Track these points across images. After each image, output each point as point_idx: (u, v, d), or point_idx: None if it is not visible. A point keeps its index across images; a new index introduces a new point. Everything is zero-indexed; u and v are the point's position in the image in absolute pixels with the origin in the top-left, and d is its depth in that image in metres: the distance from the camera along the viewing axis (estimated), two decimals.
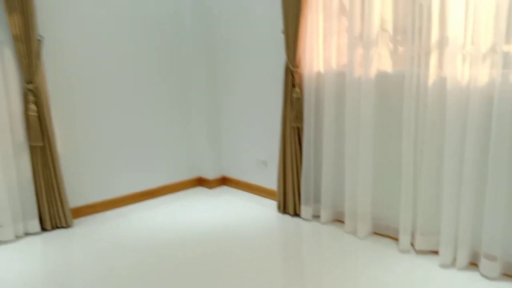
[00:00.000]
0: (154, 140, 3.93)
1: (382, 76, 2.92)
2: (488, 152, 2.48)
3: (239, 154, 4.06)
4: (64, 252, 3.03)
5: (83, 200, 3.59)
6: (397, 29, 2.87)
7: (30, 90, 3.10)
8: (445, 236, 2.67)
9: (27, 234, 3.27)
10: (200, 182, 4.26)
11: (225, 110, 4.11)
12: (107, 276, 2.71)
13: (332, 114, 3.17)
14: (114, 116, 3.68)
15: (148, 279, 2.66)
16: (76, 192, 3.53)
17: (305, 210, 3.38)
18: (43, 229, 3.32)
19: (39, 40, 3.10)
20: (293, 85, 3.27)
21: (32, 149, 3.19)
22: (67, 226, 3.37)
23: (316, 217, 3.40)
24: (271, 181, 3.77)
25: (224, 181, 4.24)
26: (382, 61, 2.93)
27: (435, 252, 2.80)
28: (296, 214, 3.46)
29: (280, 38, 3.37)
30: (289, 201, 3.45)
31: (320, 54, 3.18)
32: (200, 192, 4.11)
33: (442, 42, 2.58)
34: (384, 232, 3.09)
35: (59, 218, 3.33)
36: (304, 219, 3.40)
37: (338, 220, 3.33)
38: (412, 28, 2.67)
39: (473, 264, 2.66)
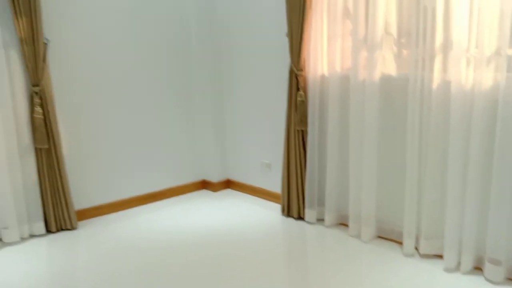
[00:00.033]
0: (159, 143, 3.95)
1: (386, 79, 2.92)
2: (493, 155, 2.47)
3: (244, 157, 4.07)
4: (69, 254, 3.04)
5: (88, 202, 3.60)
6: (402, 32, 2.87)
7: (36, 92, 3.12)
8: (450, 240, 2.66)
9: (32, 236, 3.29)
10: (204, 185, 4.26)
11: (229, 113, 4.12)
12: (112, 278, 2.72)
13: (336, 117, 3.17)
14: (119, 119, 3.69)
15: (152, 282, 2.66)
16: (81, 194, 3.54)
17: (309, 213, 3.38)
18: (48, 231, 3.34)
19: (45, 43, 3.13)
20: (298, 88, 3.27)
21: (38, 151, 3.21)
22: (72, 228, 3.39)
23: (320, 220, 3.39)
24: (275, 184, 3.77)
25: (228, 184, 4.25)
26: (387, 64, 2.93)
27: (440, 256, 2.79)
28: (300, 217, 3.46)
29: (285, 41, 3.38)
30: (293, 204, 3.45)
31: (324, 57, 3.18)
32: (204, 195, 4.11)
33: (447, 46, 2.58)
34: (388, 236, 3.08)
35: (64, 220, 3.35)
36: (308, 222, 3.40)
37: (342, 223, 3.33)
38: (416, 31, 2.67)
39: (478, 269, 2.64)
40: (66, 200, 3.32)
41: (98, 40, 3.52)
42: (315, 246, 3.15)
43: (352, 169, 3.10)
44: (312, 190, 3.35)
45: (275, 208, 3.69)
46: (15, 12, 2.98)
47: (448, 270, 2.67)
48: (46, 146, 3.19)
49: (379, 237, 3.12)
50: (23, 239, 3.24)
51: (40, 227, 3.29)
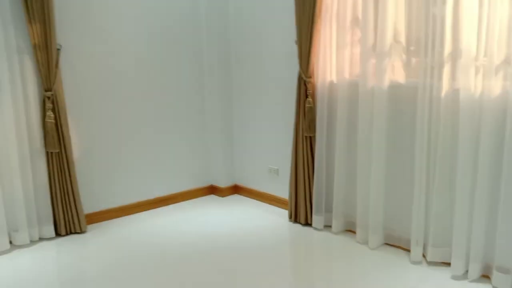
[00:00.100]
0: (167, 148, 3.98)
1: (395, 87, 2.94)
2: (502, 164, 2.48)
3: (251, 163, 4.09)
4: (78, 257, 3.07)
5: (97, 206, 3.63)
6: (410, 40, 2.89)
7: (48, 97, 3.17)
8: (457, 248, 2.66)
9: (41, 239, 3.31)
10: (212, 190, 4.28)
11: (238, 119, 4.14)
12: (120, 282, 2.74)
13: (344, 124, 3.18)
14: (128, 124, 3.73)
15: (160, 287, 2.68)
16: (90, 198, 3.57)
17: (316, 219, 3.39)
18: (58, 234, 3.36)
19: (58, 49, 3.17)
20: (306, 95, 3.30)
21: (49, 155, 3.25)
22: (81, 231, 3.42)
23: (328, 226, 3.40)
24: (283, 190, 3.78)
25: (236, 189, 4.27)
26: (395, 72, 2.94)
27: (447, 264, 2.78)
28: (307, 223, 3.47)
29: (294, 48, 3.40)
30: (300, 210, 3.46)
31: (333, 64, 3.20)
32: (212, 200, 4.13)
33: (455, 54, 2.59)
34: (396, 243, 3.08)
35: (73, 223, 3.38)
36: (315, 228, 3.41)
37: (350, 230, 3.33)
38: (425, 40, 2.69)
39: (485, 277, 2.64)
40: (76, 203, 3.36)
41: (110, 46, 3.56)
42: (322, 252, 3.16)
43: (360, 175, 3.11)
44: (320, 196, 3.36)
45: (283, 214, 3.70)
46: (29, 19, 3.02)
47: (455, 278, 2.66)
48: (57, 150, 3.23)
49: (387, 244, 3.12)
50: (32, 241, 3.27)
51: (50, 230, 3.32)
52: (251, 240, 3.26)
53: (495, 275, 2.53)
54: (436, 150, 2.73)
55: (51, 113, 3.18)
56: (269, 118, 3.86)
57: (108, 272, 2.85)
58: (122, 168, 3.73)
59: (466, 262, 2.66)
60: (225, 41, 4.04)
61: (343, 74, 3.13)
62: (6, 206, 3.14)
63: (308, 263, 3.03)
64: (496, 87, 2.44)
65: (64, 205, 3.34)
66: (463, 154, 2.59)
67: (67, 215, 3.36)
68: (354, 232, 3.27)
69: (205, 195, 4.25)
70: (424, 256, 2.89)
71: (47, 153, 3.24)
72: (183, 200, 4.10)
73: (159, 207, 3.95)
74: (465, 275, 2.67)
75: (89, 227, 3.53)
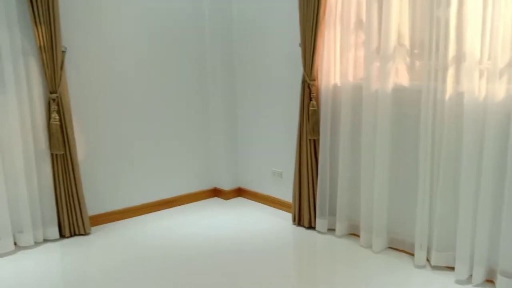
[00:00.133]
0: (172, 151, 3.99)
1: (399, 90, 2.93)
2: (506, 167, 2.46)
3: (255, 166, 4.09)
4: (82, 259, 3.08)
5: (101, 208, 3.64)
6: (414, 43, 2.89)
7: (53, 99, 3.19)
8: (462, 252, 2.64)
9: (46, 240, 3.33)
10: (216, 193, 4.29)
11: (242, 122, 4.15)
12: (123, 283, 2.74)
13: (348, 127, 3.18)
14: (132, 126, 3.74)
15: None
16: (94, 200, 3.59)
17: (320, 223, 3.38)
18: (62, 236, 3.38)
19: (63, 51, 3.20)
20: (310, 98, 3.30)
21: (54, 157, 3.26)
22: (85, 233, 3.43)
23: (331, 230, 3.39)
24: (287, 193, 3.78)
25: (239, 192, 4.27)
26: (399, 75, 2.94)
27: (451, 268, 2.77)
28: (311, 226, 3.46)
29: (298, 50, 3.41)
30: (304, 213, 3.46)
31: (337, 67, 3.20)
32: (215, 203, 4.14)
33: (459, 57, 2.58)
34: (400, 247, 3.07)
35: (78, 225, 3.39)
36: (319, 232, 3.40)
37: (354, 233, 3.32)
38: (429, 43, 2.68)
39: (489, 281, 2.62)
40: (80, 205, 3.37)
41: (114, 48, 3.58)
42: (326, 256, 3.15)
43: (364, 179, 3.10)
44: (324, 199, 3.36)
45: (286, 217, 3.70)
46: (35, 21, 3.05)
47: (459, 282, 2.65)
48: (62, 152, 3.24)
49: (390, 248, 3.11)
50: (37, 243, 3.28)
51: (54, 231, 3.33)
52: (254, 243, 3.26)
53: (499, 280, 2.51)
54: (440, 153, 2.72)
55: (56, 115, 3.20)
56: (272, 121, 3.86)
57: (112, 273, 2.86)
58: (126, 170, 3.75)
59: (470, 266, 2.64)
60: (228, 43, 4.05)
61: (347, 77, 3.13)
62: (11, 208, 3.16)
63: (311, 266, 3.02)
64: (500, 90, 2.43)
65: (69, 207, 3.35)
66: (467, 157, 2.58)
67: (72, 217, 3.37)
68: (357, 236, 3.26)
69: (209, 197, 4.26)
70: (428, 260, 2.87)
71: (52, 155, 3.26)
72: (186, 203, 4.11)
73: (163, 209, 3.96)
74: (469, 280, 2.65)
75: (93, 229, 3.54)
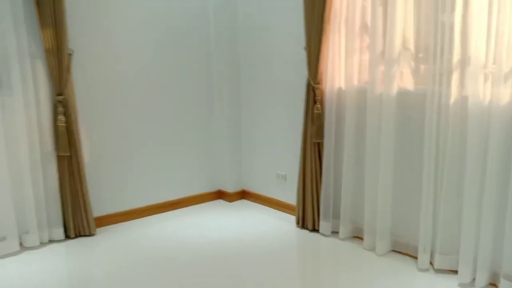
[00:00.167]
0: (176, 153, 4.00)
1: (403, 94, 2.94)
2: (510, 171, 2.47)
3: (259, 168, 4.10)
4: (87, 260, 3.10)
5: (106, 209, 3.66)
6: (419, 48, 2.90)
7: (59, 101, 3.21)
8: (465, 256, 2.65)
9: (51, 241, 3.35)
10: (220, 195, 4.30)
11: (246, 124, 4.16)
12: (127, 285, 2.76)
13: (352, 130, 3.19)
14: (137, 128, 3.76)
15: None
16: (100, 201, 3.60)
17: (324, 225, 3.39)
18: (67, 236, 3.40)
19: (70, 54, 3.22)
20: (315, 101, 3.31)
21: (60, 158, 3.29)
22: (90, 234, 3.45)
23: (335, 233, 3.40)
24: (291, 196, 3.79)
25: (243, 194, 4.28)
26: (404, 79, 2.95)
27: (454, 272, 2.77)
28: (314, 229, 3.47)
29: (302, 54, 3.42)
30: (308, 216, 3.46)
31: (342, 71, 3.21)
32: (219, 205, 4.15)
33: (464, 61, 2.59)
34: (403, 250, 3.07)
35: (83, 226, 3.41)
36: (322, 234, 3.41)
37: (357, 236, 3.33)
38: (434, 47, 2.69)
39: (493, 285, 2.62)
40: (86, 206, 3.39)
41: (119, 51, 3.60)
42: (329, 258, 3.16)
43: (368, 182, 3.11)
44: (327, 202, 3.36)
45: (290, 220, 3.71)
46: (42, 24, 3.07)
47: (462, 285, 2.65)
48: (68, 154, 3.26)
49: (394, 251, 3.12)
50: (42, 244, 3.30)
51: (59, 232, 3.35)
52: (258, 245, 3.27)
53: (503, 283, 2.51)
54: (444, 157, 2.72)
55: (62, 116, 3.22)
56: (277, 124, 3.87)
57: (116, 275, 2.88)
58: (131, 172, 3.77)
59: (473, 270, 2.65)
60: (233, 46, 4.06)
61: (352, 80, 3.14)
62: (17, 208, 3.18)
63: (315, 269, 3.03)
64: (505, 94, 2.44)
65: (74, 208, 3.37)
66: (471, 161, 2.58)
67: (77, 218, 3.39)
68: (361, 239, 3.27)
69: (213, 200, 4.27)
70: (431, 263, 2.88)
71: (58, 156, 3.28)
72: (191, 205, 4.12)
73: (167, 211, 3.98)
74: (472, 283, 2.65)
75: (98, 230, 3.56)
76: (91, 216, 3.43)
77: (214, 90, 4.14)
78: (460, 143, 2.66)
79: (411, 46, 2.90)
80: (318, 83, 3.28)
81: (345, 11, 3.10)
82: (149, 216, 3.86)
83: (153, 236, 3.47)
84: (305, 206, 3.48)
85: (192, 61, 3.99)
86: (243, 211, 3.97)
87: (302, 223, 3.53)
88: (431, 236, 2.84)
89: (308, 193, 3.43)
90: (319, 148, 3.37)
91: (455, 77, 2.62)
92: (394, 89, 2.91)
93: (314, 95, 3.30)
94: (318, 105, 3.29)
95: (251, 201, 4.21)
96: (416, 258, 2.95)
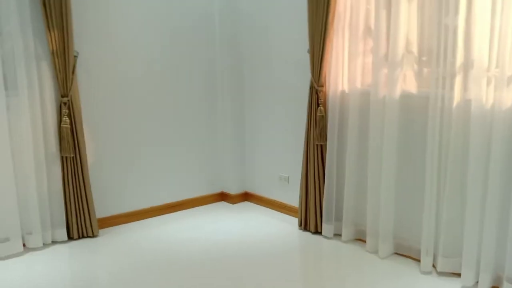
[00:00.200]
0: (179, 154, 4.01)
1: (406, 97, 2.95)
2: None
3: (262, 170, 4.11)
4: (90, 261, 3.10)
5: (109, 211, 3.67)
6: (422, 50, 2.91)
7: (64, 103, 3.23)
8: (468, 258, 2.65)
9: (54, 242, 3.35)
10: (222, 197, 4.31)
11: (249, 126, 4.18)
12: (130, 286, 2.76)
13: (355, 133, 3.20)
14: (141, 130, 3.78)
15: None
16: (103, 203, 3.61)
17: (326, 228, 3.39)
18: (70, 238, 3.40)
19: (75, 56, 3.24)
20: (318, 104, 3.32)
21: (64, 159, 3.30)
22: (93, 235, 3.45)
23: (338, 235, 3.40)
24: (293, 198, 3.79)
25: (246, 196, 4.29)
26: (407, 82, 2.96)
27: (457, 274, 2.77)
28: (317, 231, 3.47)
29: (306, 56, 3.44)
30: (310, 218, 3.47)
31: (345, 73, 3.22)
32: (222, 207, 4.15)
33: (467, 65, 2.60)
34: (406, 253, 3.07)
35: (86, 227, 3.42)
36: (325, 237, 3.41)
37: (360, 239, 3.33)
38: (437, 50, 2.70)
39: None
40: (89, 208, 3.40)
41: (124, 52, 3.62)
42: (332, 261, 3.16)
43: (370, 184, 3.11)
44: (330, 204, 3.37)
45: (292, 222, 3.71)
46: (48, 26, 3.09)
47: None
48: (72, 155, 3.28)
49: (397, 253, 3.12)
50: (45, 244, 3.30)
51: (63, 233, 3.36)
52: (260, 247, 3.28)
53: (506, 286, 2.51)
54: (447, 160, 2.73)
55: (67, 118, 3.24)
56: (280, 126, 3.88)
57: (119, 276, 2.88)
58: (134, 173, 3.78)
59: (476, 272, 2.65)
60: (237, 48, 4.08)
61: (355, 83, 3.15)
62: (21, 209, 3.19)
63: (317, 271, 3.03)
64: (508, 98, 2.44)
65: (77, 209, 3.38)
66: (473, 163, 2.59)
67: (80, 219, 3.40)
68: (364, 241, 3.27)
69: (216, 201, 4.28)
70: (434, 266, 2.88)
71: (62, 157, 3.30)
72: (193, 207, 4.13)
73: (170, 213, 3.98)
74: (475, 286, 2.65)
75: (101, 231, 3.56)
76: (94, 218, 3.44)
77: (218, 93, 4.16)
78: (462, 145, 2.67)
79: (415, 49, 2.91)
80: (322, 86, 3.29)
81: (348, 14, 3.12)
82: (152, 218, 3.87)
83: (156, 237, 3.47)
84: (308, 208, 3.48)
85: (196, 63, 4.01)
86: (245, 213, 3.98)
87: (304, 225, 3.53)
88: (434, 238, 2.84)
89: (310, 195, 3.44)
90: (322, 151, 3.38)
91: (458, 80, 2.63)
92: (397, 92, 2.92)
93: (317, 98, 3.31)
94: (321, 108, 3.30)
95: (253, 203, 4.21)
96: (418, 260, 2.94)
